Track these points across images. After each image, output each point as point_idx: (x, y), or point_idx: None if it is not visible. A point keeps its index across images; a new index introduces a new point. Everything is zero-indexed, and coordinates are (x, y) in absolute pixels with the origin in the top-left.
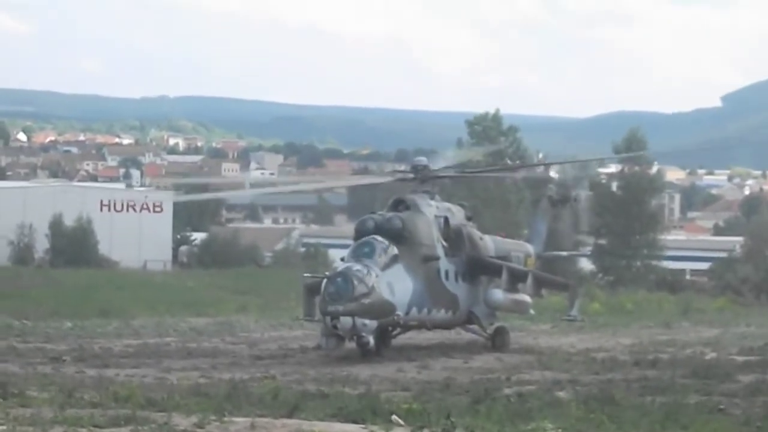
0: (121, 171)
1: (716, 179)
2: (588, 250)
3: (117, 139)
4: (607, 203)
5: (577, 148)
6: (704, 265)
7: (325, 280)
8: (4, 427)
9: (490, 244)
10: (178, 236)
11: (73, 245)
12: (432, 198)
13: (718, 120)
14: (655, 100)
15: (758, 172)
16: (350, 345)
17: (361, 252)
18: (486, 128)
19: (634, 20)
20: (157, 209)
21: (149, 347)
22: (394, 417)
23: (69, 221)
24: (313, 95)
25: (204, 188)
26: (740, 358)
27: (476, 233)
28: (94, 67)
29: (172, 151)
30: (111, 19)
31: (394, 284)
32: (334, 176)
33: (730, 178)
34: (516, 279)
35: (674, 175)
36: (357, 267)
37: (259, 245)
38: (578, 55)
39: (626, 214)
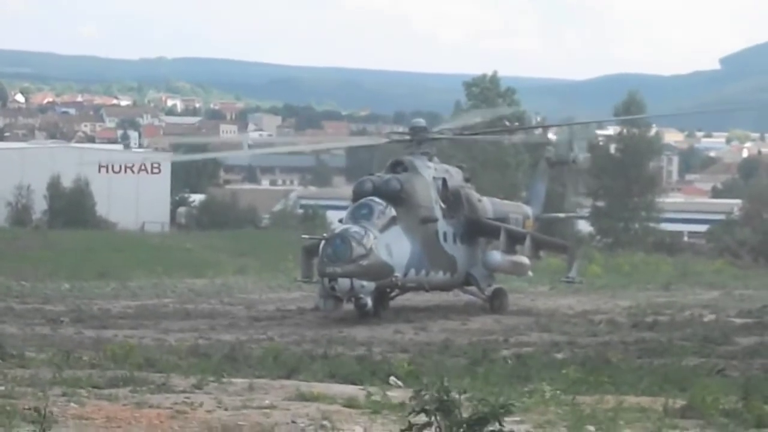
0: (119, 132)
1: (714, 142)
2: (586, 212)
3: (115, 101)
4: (606, 165)
5: (575, 111)
6: (702, 228)
7: (323, 242)
8: (3, 388)
9: (488, 205)
10: (176, 198)
11: (71, 207)
12: (430, 160)
13: (716, 82)
14: (653, 63)
15: (756, 135)
16: (348, 306)
17: (360, 214)
18: (484, 90)
19: None
20: (155, 170)
21: (147, 308)
22: (392, 379)
23: (67, 183)
24: (311, 57)
25: (202, 149)
26: (738, 321)
27: (474, 195)
28: (93, 29)
29: (170, 112)
30: None
31: (392, 246)
32: (333, 137)
33: (728, 141)
34: (514, 241)
35: (672, 137)
36: (355, 229)
37: (257, 207)
38: (577, 18)
39: (624, 176)
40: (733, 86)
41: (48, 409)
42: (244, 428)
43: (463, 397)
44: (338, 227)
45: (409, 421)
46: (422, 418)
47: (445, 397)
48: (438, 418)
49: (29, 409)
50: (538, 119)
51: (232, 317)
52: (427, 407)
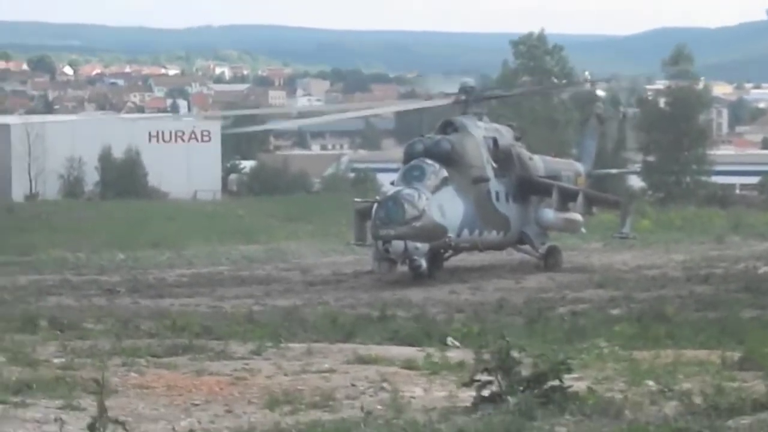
0: (168, 102)
1: (763, 93)
2: (637, 167)
3: (163, 70)
4: (655, 120)
5: (622, 66)
6: (754, 179)
7: (375, 205)
8: (63, 360)
9: (539, 163)
10: (227, 165)
11: (123, 177)
12: (480, 119)
13: (764, 33)
14: (699, 15)
15: None
16: (402, 268)
17: (411, 175)
18: (531, 48)
19: None
20: (205, 138)
21: (202, 276)
22: (450, 339)
23: (118, 153)
24: (357, 20)
25: (251, 121)
26: None
27: (525, 153)
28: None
29: (219, 80)
30: None
31: (445, 207)
32: (383, 102)
33: None
34: (566, 198)
35: (721, 89)
36: (407, 190)
37: (308, 172)
38: None
39: (674, 130)
40: None
41: (107, 379)
42: (305, 392)
43: (522, 354)
44: (390, 189)
45: (471, 377)
46: (484, 377)
47: (505, 356)
48: (499, 376)
49: (92, 379)
50: (586, 75)
51: (287, 282)
52: (487, 366)
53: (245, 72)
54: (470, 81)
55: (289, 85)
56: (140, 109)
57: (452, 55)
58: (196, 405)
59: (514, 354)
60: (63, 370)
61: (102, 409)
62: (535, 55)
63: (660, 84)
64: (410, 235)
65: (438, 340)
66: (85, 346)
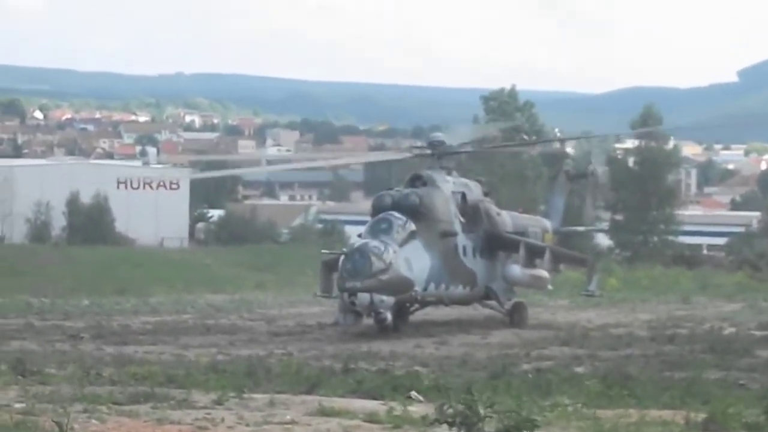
0: (138, 148)
1: (732, 154)
2: (605, 225)
3: (133, 117)
4: (624, 179)
5: (592, 124)
6: (721, 240)
7: (342, 257)
8: (24, 405)
9: (507, 219)
10: (195, 213)
11: (90, 223)
12: (449, 174)
13: (734, 95)
14: (670, 75)
15: None
16: (368, 321)
17: (379, 228)
18: (502, 104)
19: None
20: (174, 186)
21: (167, 324)
22: (413, 393)
23: (86, 199)
24: (328, 72)
25: (221, 165)
26: (759, 333)
27: (493, 209)
28: (110, 45)
29: (189, 128)
30: None
31: (412, 260)
32: (351, 152)
33: (746, 153)
34: (534, 254)
35: (690, 150)
36: (374, 243)
37: (276, 222)
38: (592, 30)
39: (643, 189)
40: (751, 98)
41: (69, 426)
42: None
43: (488, 410)
44: (357, 242)
45: None
46: (444, 431)
47: (468, 411)
48: (461, 431)
49: (53, 421)
50: (556, 132)
51: (251, 332)
52: (450, 420)
53: (215, 120)
54: (440, 135)
55: (259, 135)
56: (109, 155)
57: (421, 109)
58: None
59: (480, 409)
60: (24, 415)
61: None
62: (505, 111)
63: (629, 143)
64: (376, 288)
65: (402, 393)
66: (46, 391)
